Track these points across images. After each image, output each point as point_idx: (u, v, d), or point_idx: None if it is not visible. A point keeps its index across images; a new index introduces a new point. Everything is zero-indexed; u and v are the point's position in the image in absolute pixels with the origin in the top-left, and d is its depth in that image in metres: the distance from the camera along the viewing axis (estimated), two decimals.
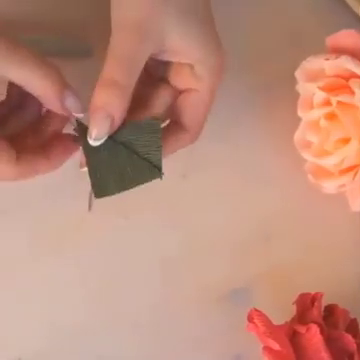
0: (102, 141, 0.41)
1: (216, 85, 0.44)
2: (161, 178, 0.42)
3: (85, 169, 0.42)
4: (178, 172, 0.52)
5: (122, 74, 0.39)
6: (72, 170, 0.44)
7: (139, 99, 0.43)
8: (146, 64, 0.41)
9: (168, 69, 0.44)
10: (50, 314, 0.48)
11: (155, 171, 0.42)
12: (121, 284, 0.49)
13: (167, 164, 0.51)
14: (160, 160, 0.42)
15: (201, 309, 0.49)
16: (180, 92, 0.44)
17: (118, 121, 0.40)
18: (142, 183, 0.42)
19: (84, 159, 0.42)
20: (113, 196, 0.50)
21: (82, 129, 0.42)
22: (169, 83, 0.44)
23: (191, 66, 0.42)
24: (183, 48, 0.41)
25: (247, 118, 0.54)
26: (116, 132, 0.41)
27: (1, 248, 0.49)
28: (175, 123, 0.45)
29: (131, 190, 0.51)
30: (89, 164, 0.42)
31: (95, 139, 0.40)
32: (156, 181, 0.52)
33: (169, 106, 0.44)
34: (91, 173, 0.42)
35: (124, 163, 0.42)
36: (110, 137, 0.41)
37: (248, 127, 0.54)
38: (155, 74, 0.45)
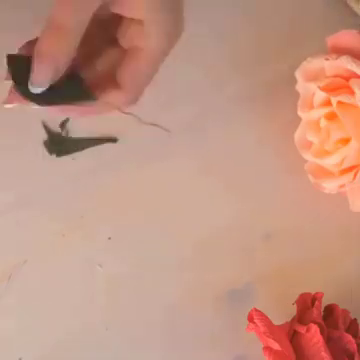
0: (43, 89, 0.38)
1: (166, 49, 0.40)
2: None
3: (9, 106, 0.39)
4: (177, 173, 0.52)
5: (69, 17, 0.36)
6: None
7: (88, 54, 0.41)
8: (101, 18, 0.39)
9: (119, 26, 0.41)
10: (52, 314, 0.48)
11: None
12: (120, 285, 0.49)
13: (168, 165, 0.52)
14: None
15: (201, 309, 0.49)
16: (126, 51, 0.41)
17: (62, 69, 0.37)
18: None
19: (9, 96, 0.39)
20: (116, 199, 0.50)
21: (19, 70, 0.39)
22: (118, 43, 0.41)
23: (140, 22, 0.39)
24: (133, 1, 0.38)
25: (247, 118, 0.54)
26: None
27: (0, 250, 0.49)
28: (110, 81, 0.41)
29: (131, 190, 0.51)
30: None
31: (37, 86, 0.37)
32: (152, 183, 0.52)
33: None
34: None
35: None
36: None
37: (248, 127, 0.54)
38: (109, 32, 0.42)
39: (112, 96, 0.41)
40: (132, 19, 0.39)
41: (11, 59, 0.39)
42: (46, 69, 0.37)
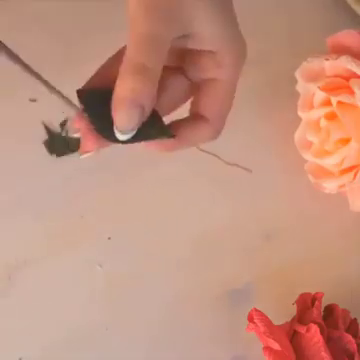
0: (131, 135, 0.36)
1: (239, 74, 0.40)
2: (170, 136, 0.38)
3: (88, 155, 0.37)
4: (177, 173, 0.52)
5: (149, 57, 0.35)
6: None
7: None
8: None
9: (186, 58, 0.40)
10: (52, 314, 0.48)
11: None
12: (120, 285, 0.49)
13: (168, 165, 0.52)
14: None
15: (201, 309, 0.49)
16: (199, 83, 0.40)
17: (148, 110, 0.36)
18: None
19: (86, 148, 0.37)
20: (116, 199, 0.50)
21: (95, 108, 0.36)
22: (185, 74, 0.40)
23: (213, 53, 0.39)
24: (209, 34, 0.38)
25: (247, 118, 0.54)
26: None
27: (0, 250, 0.49)
28: (195, 116, 0.40)
29: (131, 190, 0.51)
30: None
31: (126, 133, 0.35)
32: (152, 183, 0.52)
33: (186, 97, 0.41)
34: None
35: None
36: None
37: (248, 127, 0.54)
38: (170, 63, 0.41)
39: (199, 130, 0.40)
40: (203, 51, 0.39)
41: (82, 95, 0.36)
42: (133, 114, 0.35)
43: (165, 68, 0.39)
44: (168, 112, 0.41)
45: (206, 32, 0.38)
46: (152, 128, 0.37)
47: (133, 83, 0.35)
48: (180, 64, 0.41)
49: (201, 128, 0.40)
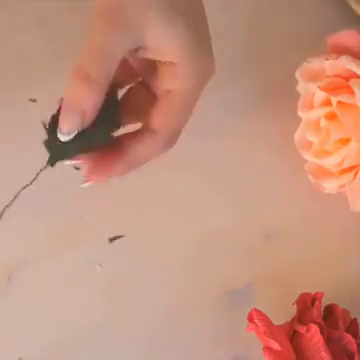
0: (71, 137, 0.38)
1: (198, 89, 0.40)
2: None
3: (87, 184, 0.40)
4: (177, 173, 0.52)
5: (96, 67, 0.36)
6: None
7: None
8: (128, 61, 0.39)
9: (148, 68, 0.40)
10: (52, 314, 0.48)
11: None
12: (120, 285, 0.49)
13: (168, 165, 0.51)
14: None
15: (201, 309, 0.49)
16: (157, 94, 0.40)
17: (90, 117, 0.37)
18: None
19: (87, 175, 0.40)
20: (116, 199, 0.50)
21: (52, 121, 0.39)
22: (148, 84, 0.41)
23: (172, 65, 0.38)
24: (164, 46, 0.38)
25: (247, 118, 0.54)
26: None
27: (0, 250, 0.49)
28: (143, 128, 0.40)
29: (132, 190, 0.51)
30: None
31: (65, 134, 0.38)
32: (152, 183, 0.52)
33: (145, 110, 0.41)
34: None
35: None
36: None
37: (248, 127, 0.54)
38: (139, 72, 0.41)
39: (147, 143, 0.39)
40: (164, 62, 0.39)
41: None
42: (73, 119, 0.37)
43: (129, 80, 0.41)
44: (128, 124, 0.41)
45: (159, 44, 0.38)
46: (91, 141, 0.38)
47: (76, 88, 0.37)
48: (144, 75, 0.41)
49: (145, 140, 0.40)
